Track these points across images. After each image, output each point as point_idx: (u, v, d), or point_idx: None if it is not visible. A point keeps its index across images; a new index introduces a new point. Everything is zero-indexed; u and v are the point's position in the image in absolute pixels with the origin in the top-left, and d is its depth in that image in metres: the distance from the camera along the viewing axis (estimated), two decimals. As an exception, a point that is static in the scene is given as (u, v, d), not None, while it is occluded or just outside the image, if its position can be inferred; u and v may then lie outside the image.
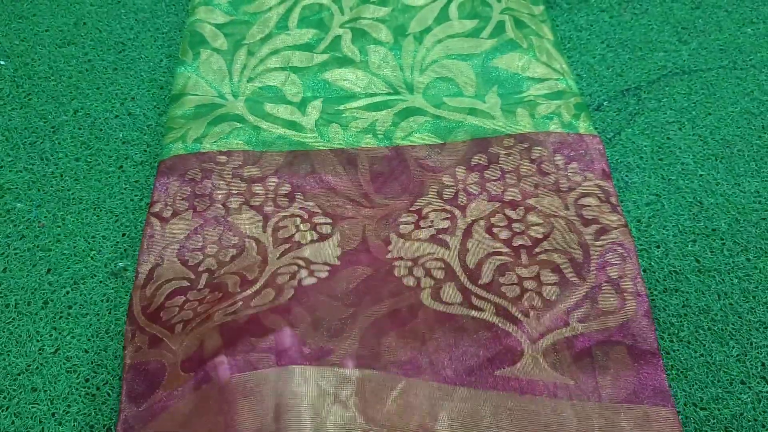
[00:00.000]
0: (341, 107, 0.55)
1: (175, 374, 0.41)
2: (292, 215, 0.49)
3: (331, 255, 0.47)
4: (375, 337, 0.43)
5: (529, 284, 0.44)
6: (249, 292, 0.44)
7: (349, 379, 0.40)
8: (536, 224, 0.47)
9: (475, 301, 0.44)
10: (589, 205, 0.48)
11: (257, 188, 0.50)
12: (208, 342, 0.41)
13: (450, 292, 0.44)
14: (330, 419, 0.38)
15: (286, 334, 0.41)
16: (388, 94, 0.56)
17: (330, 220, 0.48)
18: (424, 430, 0.39)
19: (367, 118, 0.54)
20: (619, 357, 0.41)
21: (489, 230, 0.47)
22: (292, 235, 0.47)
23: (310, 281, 0.44)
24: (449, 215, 0.48)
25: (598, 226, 0.47)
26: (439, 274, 0.45)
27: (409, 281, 0.45)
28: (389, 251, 0.47)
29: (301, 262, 0.46)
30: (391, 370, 0.41)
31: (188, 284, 0.45)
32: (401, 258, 0.46)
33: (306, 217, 0.49)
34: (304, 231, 0.48)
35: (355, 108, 0.55)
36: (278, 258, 0.46)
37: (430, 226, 0.48)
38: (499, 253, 0.46)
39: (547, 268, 0.45)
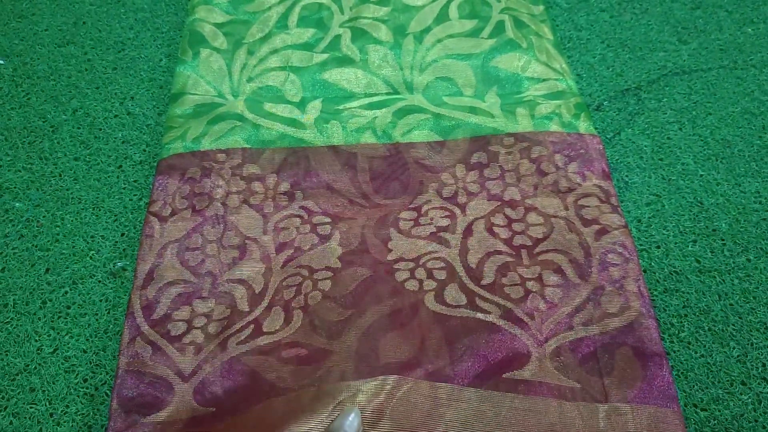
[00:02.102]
0: (341, 107, 0.55)
1: (186, 403, 0.40)
2: (292, 215, 0.49)
3: (332, 256, 0.46)
4: (374, 339, 0.43)
5: (531, 285, 0.44)
6: (258, 311, 0.44)
7: (351, 387, 0.40)
8: (536, 224, 0.47)
9: (479, 302, 0.44)
10: (589, 206, 0.48)
11: (256, 186, 0.50)
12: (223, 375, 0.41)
13: (453, 293, 0.44)
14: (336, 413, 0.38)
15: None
16: (388, 93, 0.56)
17: (329, 219, 0.48)
18: (427, 427, 0.38)
19: (367, 116, 0.54)
20: (625, 359, 0.41)
21: (489, 229, 0.47)
22: (293, 239, 0.47)
23: (315, 298, 0.44)
24: (449, 213, 0.48)
25: (599, 226, 0.47)
26: (441, 275, 0.45)
27: (412, 284, 0.45)
28: (390, 250, 0.47)
29: (304, 272, 0.46)
30: (393, 373, 0.41)
31: (192, 290, 0.45)
32: (402, 259, 0.46)
33: (306, 217, 0.48)
34: (305, 234, 0.48)
35: (354, 107, 0.55)
36: (282, 267, 0.46)
37: (429, 224, 0.48)
38: (500, 252, 0.46)
39: (548, 268, 0.45)
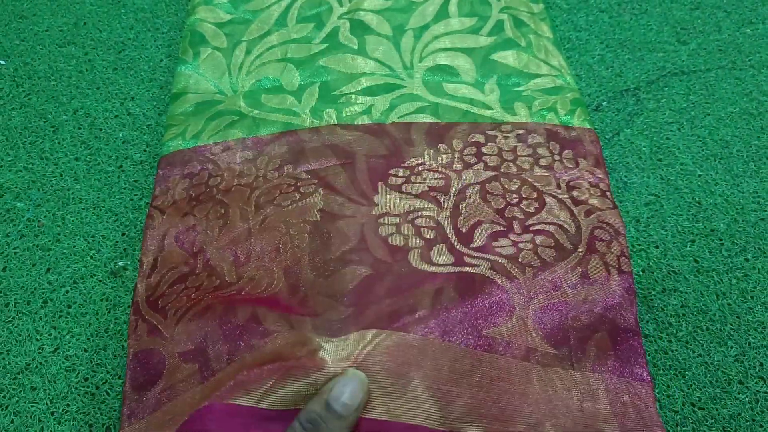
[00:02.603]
0: (338, 92, 0.55)
1: (175, 364, 0.41)
2: (281, 183, 0.49)
3: (313, 210, 0.47)
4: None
5: (524, 246, 0.45)
6: (243, 281, 0.44)
7: (312, 342, 0.40)
8: (530, 198, 0.48)
9: (468, 260, 0.44)
10: (579, 188, 0.49)
11: (249, 169, 0.50)
12: (209, 336, 0.42)
13: (441, 253, 0.44)
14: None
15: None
16: (386, 75, 0.56)
17: (315, 181, 0.49)
18: (401, 377, 0.39)
19: (363, 102, 0.54)
20: (601, 331, 0.42)
21: (483, 197, 0.48)
22: (274, 198, 0.48)
23: (292, 252, 0.44)
24: (443, 176, 0.49)
25: (588, 206, 0.48)
26: (429, 234, 0.45)
27: (396, 240, 0.45)
28: (375, 204, 0.47)
29: (282, 227, 0.46)
30: (377, 325, 0.41)
31: (188, 270, 0.45)
32: (388, 214, 0.46)
33: (292, 182, 0.49)
34: (287, 193, 0.48)
35: (352, 92, 0.55)
36: (260, 225, 0.46)
37: (422, 183, 0.48)
38: (491, 221, 0.46)
39: (541, 235, 0.46)
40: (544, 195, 0.48)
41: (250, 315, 0.42)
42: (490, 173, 0.49)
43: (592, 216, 0.47)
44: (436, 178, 0.49)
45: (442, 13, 0.61)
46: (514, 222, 0.47)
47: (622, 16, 0.66)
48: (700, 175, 0.53)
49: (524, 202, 0.48)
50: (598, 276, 0.44)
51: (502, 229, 0.46)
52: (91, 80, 0.61)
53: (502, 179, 0.49)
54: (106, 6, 0.67)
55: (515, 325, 0.41)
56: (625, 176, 0.53)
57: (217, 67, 0.58)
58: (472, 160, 0.50)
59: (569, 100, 0.54)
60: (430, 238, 0.45)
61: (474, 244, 0.45)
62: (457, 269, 0.44)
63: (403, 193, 0.48)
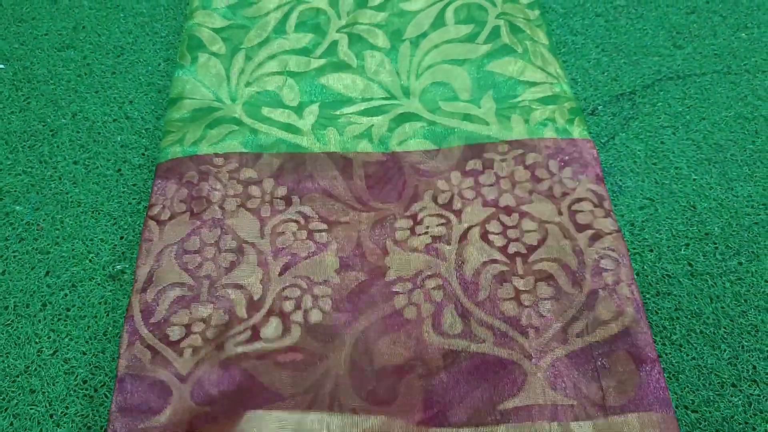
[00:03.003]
0: (337, 112, 0.55)
1: (184, 402, 0.41)
2: (289, 220, 0.49)
3: (330, 269, 0.47)
4: (368, 343, 0.43)
5: (526, 299, 0.45)
6: (257, 318, 0.44)
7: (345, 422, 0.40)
8: (531, 231, 0.48)
9: (474, 327, 0.44)
10: (582, 210, 0.48)
11: (254, 190, 0.50)
12: (228, 390, 0.42)
13: (450, 319, 0.44)
14: None
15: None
16: (384, 98, 0.56)
17: (326, 226, 0.49)
18: None
19: (363, 123, 0.55)
20: (620, 365, 0.41)
21: (484, 237, 0.48)
22: (290, 245, 0.48)
23: (316, 317, 0.45)
24: (444, 220, 0.49)
25: (592, 231, 0.47)
26: (438, 295, 0.45)
27: (410, 312, 0.45)
28: (388, 267, 0.47)
29: (303, 283, 0.46)
30: (388, 377, 0.42)
31: (190, 293, 0.45)
32: (400, 279, 0.46)
33: (302, 222, 0.49)
34: (301, 240, 0.48)
35: (351, 113, 0.55)
36: (279, 275, 0.46)
37: (426, 233, 0.48)
38: (495, 261, 0.46)
39: (542, 279, 0.45)
40: (545, 225, 0.48)
41: (269, 375, 0.42)
42: (489, 210, 0.49)
43: (597, 243, 0.46)
44: (438, 225, 0.49)
45: (439, 21, 0.61)
46: (516, 259, 0.46)
47: (618, 21, 0.66)
48: (694, 179, 0.54)
49: (525, 236, 0.47)
50: (609, 312, 0.43)
51: (505, 268, 0.46)
52: (90, 84, 0.61)
53: (501, 216, 0.49)
54: (105, 10, 0.68)
55: (529, 389, 0.41)
56: (620, 180, 0.54)
57: (216, 75, 0.58)
58: (470, 194, 0.50)
59: (567, 110, 0.54)
60: (439, 300, 0.45)
61: (480, 296, 0.45)
62: (464, 345, 0.43)
63: (409, 250, 0.48)
